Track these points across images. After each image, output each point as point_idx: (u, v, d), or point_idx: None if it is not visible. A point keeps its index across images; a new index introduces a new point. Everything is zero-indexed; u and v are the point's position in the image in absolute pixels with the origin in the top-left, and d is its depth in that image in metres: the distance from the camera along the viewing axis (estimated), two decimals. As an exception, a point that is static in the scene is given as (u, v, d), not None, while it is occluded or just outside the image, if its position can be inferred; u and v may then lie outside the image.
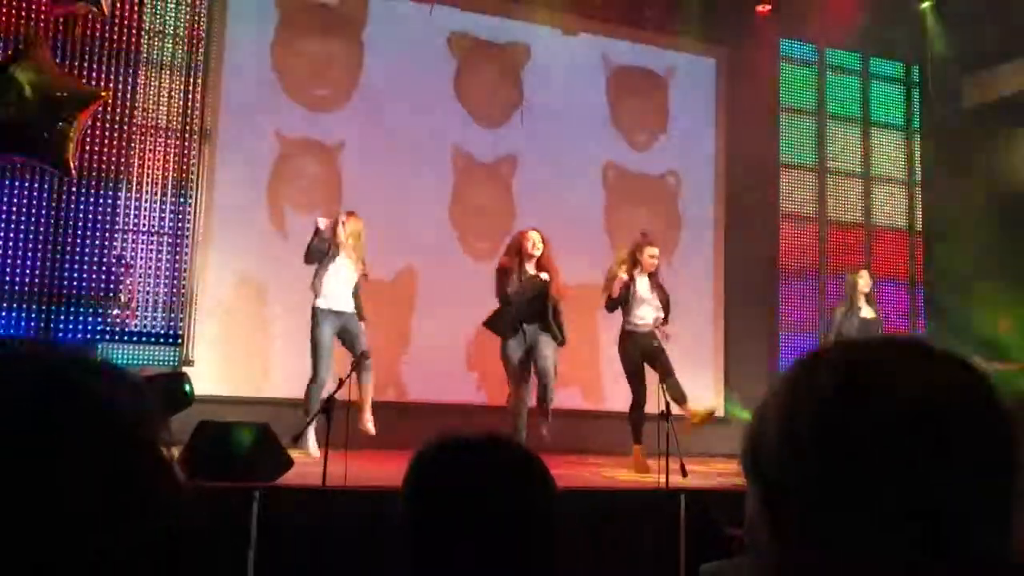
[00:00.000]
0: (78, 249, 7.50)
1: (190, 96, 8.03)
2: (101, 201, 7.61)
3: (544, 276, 6.75)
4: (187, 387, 6.49)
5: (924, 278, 10.84)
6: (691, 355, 9.53)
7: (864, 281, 8.01)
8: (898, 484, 0.63)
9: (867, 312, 7.92)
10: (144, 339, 7.62)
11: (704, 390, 9.67)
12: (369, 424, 6.55)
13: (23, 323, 7.22)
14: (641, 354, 7.02)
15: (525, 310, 6.70)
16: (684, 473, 5.69)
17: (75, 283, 7.43)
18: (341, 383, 5.93)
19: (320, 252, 6.66)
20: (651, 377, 6.91)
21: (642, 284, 7.12)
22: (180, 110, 8.01)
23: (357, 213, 6.91)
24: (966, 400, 0.66)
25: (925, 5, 9.63)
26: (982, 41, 9.63)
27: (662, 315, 7.00)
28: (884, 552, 0.62)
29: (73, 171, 7.08)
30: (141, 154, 7.85)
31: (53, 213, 7.44)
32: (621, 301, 7.05)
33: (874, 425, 0.66)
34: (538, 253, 6.77)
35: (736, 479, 5.27)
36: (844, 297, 8.19)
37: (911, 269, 10.84)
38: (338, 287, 6.65)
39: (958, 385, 0.67)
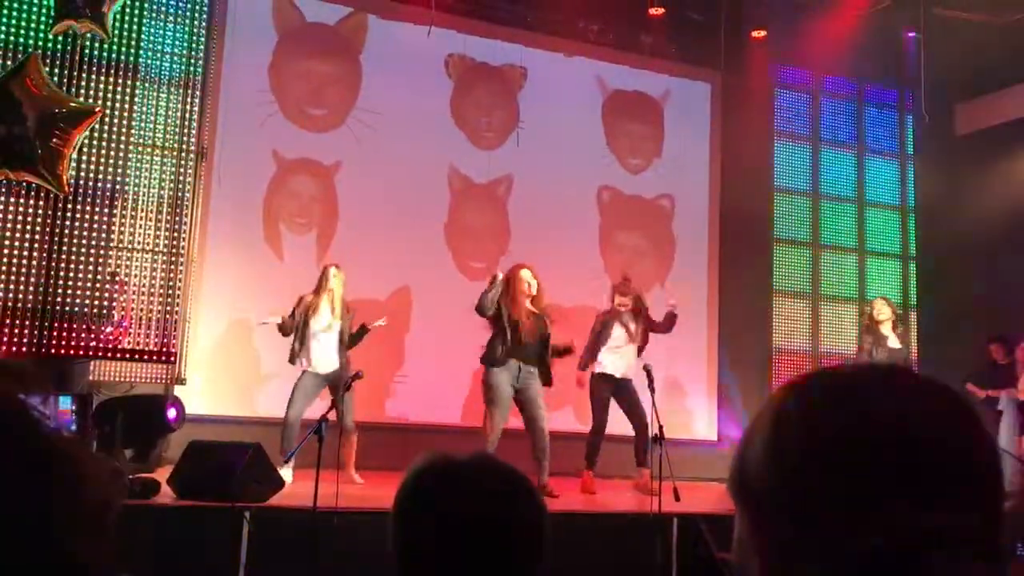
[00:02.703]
0: (71, 266, 7.47)
1: (187, 114, 8.05)
2: (96, 218, 7.59)
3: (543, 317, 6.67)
4: (170, 413, 6.43)
5: (917, 304, 10.86)
6: (684, 377, 9.54)
7: (878, 310, 8.07)
8: (877, 509, 0.64)
9: (893, 342, 7.96)
10: (137, 357, 7.59)
11: (698, 412, 9.67)
12: (356, 477, 6.56)
13: (15, 341, 7.18)
14: (611, 394, 7.13)
15: (523, 349, 6.58)
16: (676, 497, 5.67)
17: (68, 300, 7.40)
18: (334, 403, 5.93)
19: (291, 328, 6.73)
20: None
21: (618, 329, 7.17)
22: (177, 128, 8.02)
23: (338, 265, 6.96)
24: (945, 428, 0.67)
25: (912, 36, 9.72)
26: (975, 69, 9.71)
27: (638, 361, 7.01)
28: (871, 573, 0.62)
29: (67, 187, 7.08)
30: (136, 172, 7.85)
31: (47, 230, 7.42)
32: (597, 344, 7.15)
33: (854, 450, 0.66)
34: (534, 293, 6.66)
35: (728, 503, 5.25)
36: (866, 329, 8.24)
37: (904, 294, 10.86)
38: (323, 353, 6.70)
39: (939, 412, 0.68)
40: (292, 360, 6.74)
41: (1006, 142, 10.04)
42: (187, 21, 8.15)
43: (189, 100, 8.07)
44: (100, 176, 7.62)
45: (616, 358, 7.15)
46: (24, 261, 7.33)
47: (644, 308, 7.38)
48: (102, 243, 7.60)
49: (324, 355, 6.69)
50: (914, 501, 0.64)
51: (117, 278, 7.58)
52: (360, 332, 6.84)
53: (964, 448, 0.66)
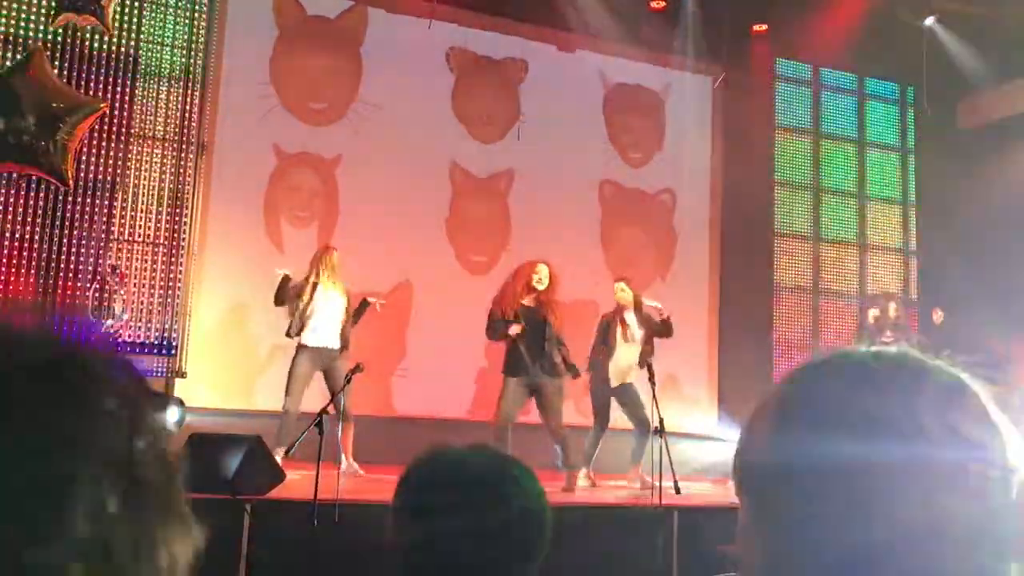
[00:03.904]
0: (72, 258, 7.48)
1: (188, 107, 8.04)
2: (96, 210, 7.60)
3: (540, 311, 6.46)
4: (171, 415, 6.37)
5: (918, 297, 10.86)
6: (685, 372, 9.54)
7: (891, 310, 8.04)
8: (882, 498, 0.64)
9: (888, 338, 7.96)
10: (137, 350, 7.60)
11: (698, 406, 9.67)
12: (356, 467, 6.52)
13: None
14: (613, 394, 7.01)
15: (525, 343, 6.43)
16: (677, 490, 5.67)
17: (68, 292, 7.41)
18: (334, 396, 5.93)
19: (288, 293, 6.60)
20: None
21: (629, 320, 7.06)
22: (177, 121, 8.02)
23: (332, 245, 6.90)
24: (953, 419, 0.66)
25: (929, 21, 9.65)
26: (977, 64, 9.69)
27: (641, 359, 6.89)
28: (877, 563, 0.62)
29: (71, 182, 7.09)
30: (137, 164, 7.85)
31: (48, 222, 7.43)
32: (602, 340, 7.01)
33: (860, 438, 0.66)
34: (542, 288, 6.48)
35: (729, 497, 5.26)
36: (865, 327, 8.23)
37: (905, 288, 10.86)
38: (323, 323, 6.58)
39: (947, 402, 0.67)
40: (290, 334, 6.64)
41: (1008, 136, 10.03)
42: (187, 14, 8.15)
43: (189, 93, 8.07)
44: (101, 169, 7.63)
45: (615, 359, 7.06)
46: (25, 252, 7.34)
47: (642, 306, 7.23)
48: (102, 236, 7.61)
49: (326, 329, 6.63)
50: (920, 491, 0.63)
51: (117, 271, 7.58)
52: (361, 307, 6.76)
53: (972, 440, 0.66)
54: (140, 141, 7.89)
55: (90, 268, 7.53)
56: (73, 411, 0.51)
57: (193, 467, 5.05)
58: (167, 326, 7.74)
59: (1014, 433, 0.68)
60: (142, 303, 7.72)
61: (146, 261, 7.80)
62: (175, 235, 7.89)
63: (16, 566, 0.46)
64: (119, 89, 7.75)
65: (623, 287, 7.13)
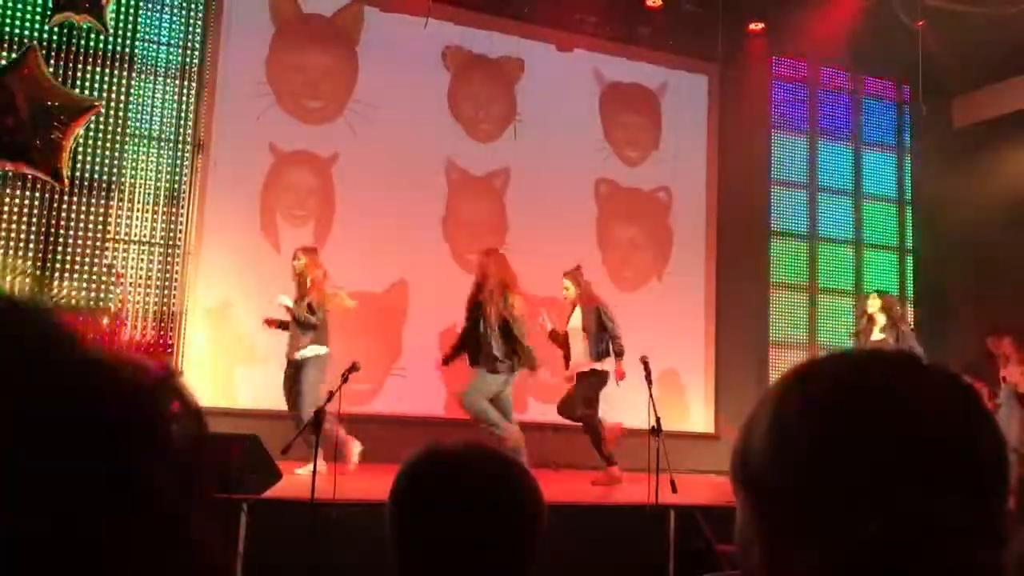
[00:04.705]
0: (68, 258, 7.46)
1: (184, 106, 8.03)
2: (92, 210, 7.58)
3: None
4: None
5: (914, 296, 10.87)
6: (682, 370, 9.54)
7: (871, 302, 8.02)
8: (880, 497, 0.64)
9: (876, 335, 7.93)
10: (133, 349, 7.58)
11: (695, 404, 9.68)
12: (352, 463, 6.54)
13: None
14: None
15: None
16: (674, 489, 5.67)
17: (65, 293, 7.39)
18: (331, 395, 5.92)
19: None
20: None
21: (573, 318, 7.06)
22: (173, 120, 8.00)
23: (306, 248, 6.87)
24: (950, 416, 0.67)
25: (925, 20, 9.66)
26: (972, 62, 9.70)
27: (588, 358, 6.89)
28: (875, 561, 0.62)
29: (65, 180, 7.07)
30: (133, 163, 7.83)
31: (44, 222, 7.41)
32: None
33: (858, 437, 0.66)
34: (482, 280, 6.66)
35: (726, 495, 5.26)
36: (861, 318, 8.22)
37: (901, 287, 10.87)
38: (288, 337, 6.64)
39: (945, 401, 0.67)
40: None
41: (1004, 134, 10.04)
42: (184, 12, 8.13)
43: (186, 92, 8.06)
44: (96, 168, 7.61)
45: (573, 352, 7.05)
46: (20, 252, 7.32)
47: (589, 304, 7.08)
48: (99, 235, 7.59)
49: (288, 339, 6.64)
50: (918, 489, 0.64)
51: (114, 270, 7.57)
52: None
53: (969, 437, 0.66)
54: (136, 140, 7.87)
55: (86, 268, 7.52)
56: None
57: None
58: (163, 326, 7.72)
59: (1010, 430, 0.68)
60: (138, 302, 7.70)
61: (142, 260, 7.79)
62: (171, 234, 7.87)
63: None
64: (115, 87, 7.74)
65: (565, 284, 7.14)
